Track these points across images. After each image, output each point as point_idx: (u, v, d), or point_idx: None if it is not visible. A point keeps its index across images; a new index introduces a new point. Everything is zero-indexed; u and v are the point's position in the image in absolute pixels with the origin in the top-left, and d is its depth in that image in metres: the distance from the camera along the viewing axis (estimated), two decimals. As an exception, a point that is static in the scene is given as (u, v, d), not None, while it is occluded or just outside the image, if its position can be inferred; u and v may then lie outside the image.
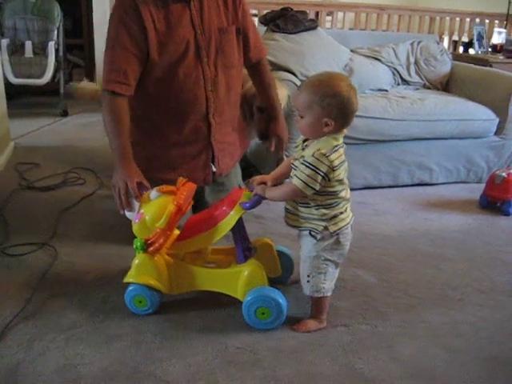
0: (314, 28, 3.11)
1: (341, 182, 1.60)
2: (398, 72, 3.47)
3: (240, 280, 1.73)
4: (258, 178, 1.75)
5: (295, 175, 1.57)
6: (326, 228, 1.64)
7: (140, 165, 2.01)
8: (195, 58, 2.02)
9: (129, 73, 1.94)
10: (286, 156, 2.39)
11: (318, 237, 1.65)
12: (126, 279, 1.78)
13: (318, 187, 1.55)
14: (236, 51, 2.14)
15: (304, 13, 3.22)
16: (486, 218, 2.76)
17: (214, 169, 2.22)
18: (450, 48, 5.00)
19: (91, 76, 5.24)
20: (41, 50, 4.46)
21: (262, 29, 3.18)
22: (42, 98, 4.87)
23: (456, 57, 3.97)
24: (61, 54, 4.53)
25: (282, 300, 1.70)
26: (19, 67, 4.30)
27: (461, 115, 3.01)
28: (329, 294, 1.74)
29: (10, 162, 3.25)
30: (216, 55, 2.05)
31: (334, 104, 1.52)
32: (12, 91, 4.25)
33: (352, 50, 3.43)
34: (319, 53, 3.03)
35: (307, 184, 1.54)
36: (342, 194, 1.63)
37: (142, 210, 1.73)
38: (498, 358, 1.68)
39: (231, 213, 1.70)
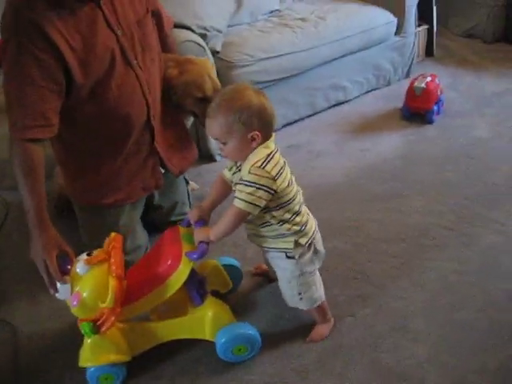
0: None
1: (287, 188, 1.48)
2: (279, -15, 3.20)
3: (206, 323, 1.65)
4: (194, 214, 1.60)
5: (236, 197, 1.45)
6: (297, 243, 1.55)
7: (84, 197, 1.87)
8: (124, 65, 1.67)
9: (47, 112, 1.55)
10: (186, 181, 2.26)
11: (296, 256, 1.57)
12: (83, 363, 1.60)
13: (263, 203, 1.43)
14: (155, 39, 1.83)
15: None
16: (414, 131, 2.80)
17: (163, 171, 1.99)
18: None
19: None
20: None
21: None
22: None
23: None
24: None
25: (253, 332, 1.66)
26: None
27: (363, 26, 2.91)
28: (324, 297, 1.71)
29: None
30: (142, 53, 1.73)
31: (252, 115, 1.40)
32: None
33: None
34: (205, -6, 2.68)
35: (250, 203, 1.42)
36: (296, 200, 1.53)
37: (76, 289, 1.49)
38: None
39: (180, 267, 1.54)
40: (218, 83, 1.98)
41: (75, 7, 1.53)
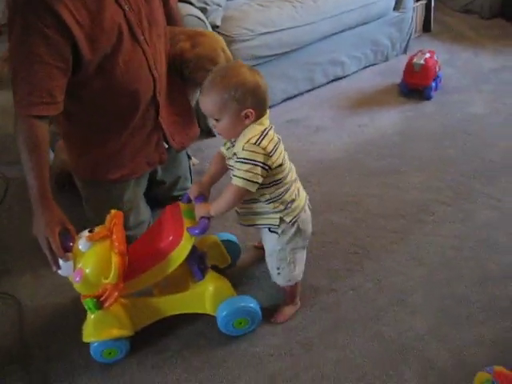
0: None
1: (281, 165, 1.49)
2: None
3: (207, 297, 1.68)
4: (194, 190, 1.62)
5: (234, 175, 1.46)
6: (282, 220, 1.56)
7: (89, 172, 1.87)
8: (131, 40, 1.66)
9: (54, 90, 1.54)
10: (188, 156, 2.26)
11: (279, 231, 1.59)
12: (86, 338, 1.64)
13: (260, 180, 1.43)
14: (161, 15, 1.82)
15: None
16: (412, 107, 2.81)
17: (167, 146, 1.99)
18: None
19: None
20: None
21: None
22: None
23: None
24: None
25: (254, 305, 1.69)
26: None
27: (362, 1, 2.89)
28: (300, 278, 1.74)
29: None
30: (149, 28, 1.72)
31: (246, 92, 1.39)
32: None
33: None
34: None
35: (249, 180, 1.42)
36: (288, 177, 1.54)
37: (79, 265, 1.51)
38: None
39: (182, 242, 1.56)
40: (231, 56, 1.98)
41: None
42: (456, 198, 2.19)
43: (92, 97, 1.70)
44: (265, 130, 1.44)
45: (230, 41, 2.55)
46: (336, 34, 2.90)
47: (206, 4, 2.55)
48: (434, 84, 2.81)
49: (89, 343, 1.64)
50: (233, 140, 1.51)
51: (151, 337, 1.72)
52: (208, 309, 1.69)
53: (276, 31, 2.65)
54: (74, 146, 1.86)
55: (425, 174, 2.34)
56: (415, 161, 2.42)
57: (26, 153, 1.54)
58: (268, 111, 1.48)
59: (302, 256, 1.69)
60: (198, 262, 1.66)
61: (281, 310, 1.77)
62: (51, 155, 2.49)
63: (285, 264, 1.65)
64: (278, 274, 1.68)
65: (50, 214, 1.53)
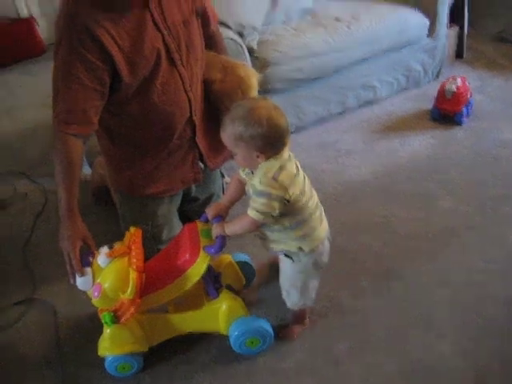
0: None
1: (300, 195, 1.50)
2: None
3: (220, 316, 1.72)
4: (212, 210, 1.66)
5: (250, 206, 1.49)
6: (300, 248, 1.58)
7: (126, 187, 1.94)
8: (169, 64, 1.73)
9: (89, 110, 1.63)
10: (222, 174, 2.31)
11: (294, 258, 1.62)
12: (102, 352, 1.70)
13: (276, 212, 1.46)
14: (199, 39, 1.87)
15: None
16: (443, 133, 2.82)
17: (202, 166, 2.05)
18: None
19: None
20: None
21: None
22: None
23: None
24: None
25: (266, 326, 1.73)
26: None
27: (396, 27, 2.93)
28: (309, 304, 1.76)
29: None
30: (187, 52, 1.78)
31: (256, 135, 1.42)
32: None
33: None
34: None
35: (263, 213, 1.45)
36: (308, 205, 1.55)
37: (97, 281, 1.56)
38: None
39: (198, 260, 1.60)
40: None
41: (126, 10, 1.59)
42: (484, 223, 2.20)
43: (131, 116, 1.77)
44: (283, 163, 1.46)
45: (265, 64, 2.63)
46: (369, 59, 2.94)
47: (243, 28, 2.63)
48: (465, 110, 2.83)
49: (104, 357, 1.69)
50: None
51: (181, 346, 1.78)
52: (221, 328, 1.73)
53: (309, 56, 2.71)
54: (112, 161, 1.94)
55: (454, 197, 2.36)
56: (444, 185, 2.44)
57: (59, 166, 1.61)
58: (288, 143, 1.49)
59: (313, 285, 1.72)
60: (213, 281, 1.71)
61: (288, 329, 1.80)
62: (89, 170, 2.59)
63: (295, 290, 1.69)
64: (288, 296, 1.72)
65: (74, 228, 1.59)
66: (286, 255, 1.62)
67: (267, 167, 1.45)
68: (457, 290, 1.91)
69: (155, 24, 1.66)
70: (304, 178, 1.55)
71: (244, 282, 1.93)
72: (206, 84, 1.96)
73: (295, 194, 1.47)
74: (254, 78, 1.99)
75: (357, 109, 3.08)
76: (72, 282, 1.57)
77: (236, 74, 1.97)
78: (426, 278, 1.97)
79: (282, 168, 1.45)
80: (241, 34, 2.61)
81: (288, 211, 1.50)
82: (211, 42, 2.01)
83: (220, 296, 1.71)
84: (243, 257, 1.97)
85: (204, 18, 1.90)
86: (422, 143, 2.75)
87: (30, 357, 1.83)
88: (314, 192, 1.60)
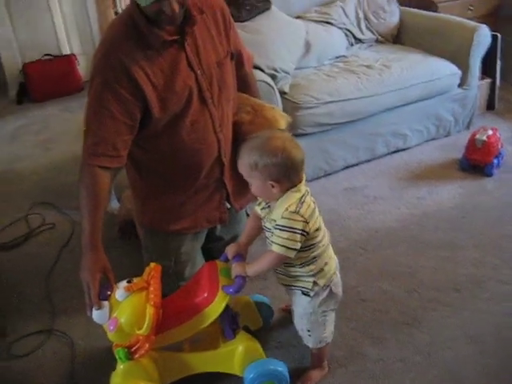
0: (268, 9, 2.85)
1: (318, 230, 1.55)
2: (350, 32, 3.31)
3: (236, 357, 1.69)
4: (232, 249, 1.67)
5: (273, 242, 1.50)
6: (315, 283, 1.59)
7: (150, 221, 1.94)
8: (200, 103, 1.76)
9: (118, 144, 1.66)
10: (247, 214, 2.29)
11: (312, 294, 1.62)
12: None
13: (298, 246, 1.48)
14: (232, 79, 1.91)
15: (256, -6, 2.94)
16: (472, 183, 2.79)
17: (229, 206, 2.05)
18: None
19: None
20: None
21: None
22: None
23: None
24: None
25: (282, 368, 1.69)
26: None
27: (427, 76, 2.95)
28: (330, 339, 1.74)
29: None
30: (219, 92, 1.81)
31: (270, 165, 1.46)
32: None
33: (300, 17, 3.22)
34: (278, 37, 2.80)
35: (288, 247, 1.47)
36: (323, 241, 1.58)
37: (114, 315, 1.55)
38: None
39: (216, 300, 1.59)
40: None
41: (161, 48, 1.64)
42: (513, 276, 2.14)
43: (159, 151, 1.79)
44: (302, 196, 1.50)
45: (296, 107, 2.66)
46: (399, 106, 2.96)
47: (276, 71, 2.69)
48: (495, 161, 2.80)
49: None
50: (267, 204, 1.58)
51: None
52: (236, 369, 1.70)
53: (340, 101, 2.74)
54: (139, 194, 1.95)
55: (482, 249, 2.30)
56: (472, 236, 2.39)
57: (84, 198, 1.63)
58: (304, 177, 1.54)
59: (331, 318, 1.71)
60: (230, 322, 1.69)
61: (308, 374, 1.76)
62: (117, 205, 2.63)
63: (316, 326, 1.67)
64: (309, 335, 1.70)
65: (95, 260, 1.59)
66: (303, 293, 1.61)
67: (288, 202, 1.48)
68: (484, 346, 1.84)
69: (189, 63, 1.70)
70: (319, 214, 1.57)
71: (261, 324, 1.91)
72: (236, 125, 1.99)
73: (314, 227, 1.51)
74: (282, 121, 2.01)
75: (386, 155, 3.08)
76: (88, 314, 1.56)
77: (265, 117, 1.99)
78: (451, 331, 1.90)
79: (302, 201, 1.49)
80: (273, 77, 2.66)
81: (305, 245, 1.52)
82: (244, 84, 2.04)
83: (236, 337, 1.69)
84: (262, 298, 1.95)
85: (238, 59, 1.94)
86: (451, 193, 2.72)
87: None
88: (326, 229, 1.62)
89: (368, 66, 2.94)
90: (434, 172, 2.91)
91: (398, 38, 3.46)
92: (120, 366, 1.63)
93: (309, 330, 1.68)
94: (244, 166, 1.52)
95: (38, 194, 2.96)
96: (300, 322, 1.69)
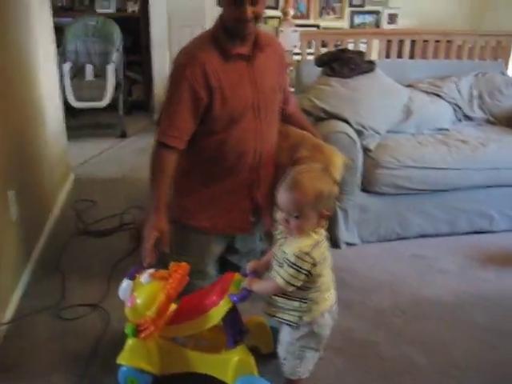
0: (372, 70, 2.99)
1: (321, 276, 1.59)
2: (459, 108, 3.31)
3: (229, 366, 1.77)
4: (250, 265, 1.78)
5: (278, 274, 1.57)
6: (300, 318, 1.63)
7: (177, 213, 2.14)
8: (253, 115, 2.06)
9: (184, 129, 2.00)
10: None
11: (293, 326, 1.66)
12: (119, 360, 1.83)
13: (299, 284, 1.55)
14: (278, 107, 2.20)
15: (361, 54, 3.11)
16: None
17: (252, 219, 2.23)
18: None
19: (149, 91, 5.30)
20: (101, 72, 4.56)
21: (315, 70, 3.11)
22: (101, 116, 4.97)
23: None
24: (120, 75, 4.61)
25: None
26: (80, 90, 4.43)
27: (524, 161, 2.86)
28: (304, 376, 1.74)
29: (69, 199, 3.39)
30: (266, 111, 2.10)
31: (326, 203, 1.56)
32: (73, 110, 4.48)
33: (411, 85, 3.30)
34: (376, 98, 2.92)
35: (289, 283, 1.55)
36: (323, 286, 1.63)
37: (134, 293, 1.77)
38: None
39: (220, 303, 1.72)
40: (332, 174, 2.15)
41: (234, 61, 1.99)
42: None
43: (206, 148, 2.08)
44: (320, 240, 1.58)
45: (376, 165, 2.74)
46: (490, 187, 2.89)
47: (364, 128, 2.80)
48: None
49: (119, 366, 1.84)
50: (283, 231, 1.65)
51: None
52: (229, 378, 1.78)
53: (423, 168, 2.76)
54: (178, 187, 2.15)
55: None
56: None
57: (152, 171, 2.02)
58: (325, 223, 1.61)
59: (311, 357, 1.72)
60: (234, 333, 1.79)
61: None
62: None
63: (291, 357, 1.71)
64: (284, 364, 1.74)
65: (156, 221, 1.93)
66: (287, 324, 1.68)
67: (306, 240, 1.56)
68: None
69: (252, 79, 2.03)
70: (329, 260, 1.64)
71: (272, 349, 1.94)
72: (294, 159, 2.15)
73: (318, 273, 1.57)
74: (338, 158, 2.17)
75: (466, 234, 2.99)
76: (144, 264, 1.85)
77: (323, 153, 2.16)
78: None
79: (317, 245, 1.56)
80: (360, 133, 2.78)
81: (305, 285, 1.58)
82: (287, 119, 2.31)
83: (237, 348, 1.79)
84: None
85: (285, 97, 2.26)
86: (519, 282, 2.56)
87: (70, 347, 2.08)
88: (331, 273, 1.68)
89: (463, 142, 2.92)
90: (510, 260, 2.76)
91: (512, 122, 3.37)
92: (129, 342, 1.83)
93: (284, 359, 1.73)
94: (306, 197, 1.52)
95: (139, 198, 3.33)
96: (279, 348, 1.75)
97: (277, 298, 1.66)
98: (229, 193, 2.15)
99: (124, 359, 1.84)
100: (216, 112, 1.99)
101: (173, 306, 1.83)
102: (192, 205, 2.18)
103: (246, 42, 2.00)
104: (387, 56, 4.36)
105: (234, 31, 1.95)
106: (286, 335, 1.70)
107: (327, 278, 1.65)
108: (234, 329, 1.80)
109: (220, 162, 2.09)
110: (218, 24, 2.00)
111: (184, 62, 1.97)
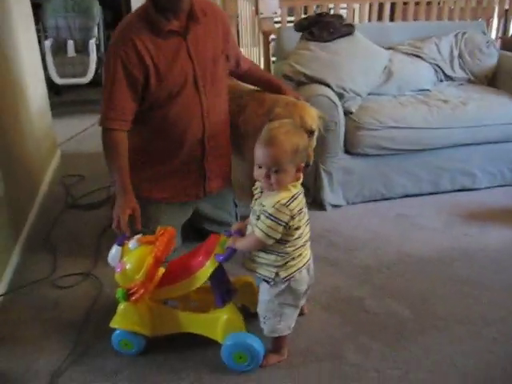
0: (351, 33, 3.00)
1: (298, 229, 1.64)
2: (440, 68, 3.33)
3: (219, 324, 1.82)
4: (235, 226, 1.84)
5: (257, 226, 1.61)
6: (277, 274, 1.68)
7: (141, 189, 2.21)
8: (193, 88, 2.11)
9: (126, 110, 2.04)
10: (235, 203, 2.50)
11: (271, 283, 1.70)
12: (112, 324, 1.88)
13: (278, 236, 1.60)
14: (224, 77, 2.25)
15: (340, 17, 3.10)
16: (531, 234, 2.67)
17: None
18: (500, 32, 4.66)
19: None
20: (82, 48, 4.55)
21: (296, 36, 3.10)
22: (85, 92, 4.98)
23: (505, 43, 3.71)
24: (102, 50, 4.59)
25: (257, 345, 1.78)
26: (63, 67, 4.42)
27: (506, 119, 2.90)
28: (285, 333, 1.79)
29: (57, 174, 3.42)
30: (211, 84, 2.14)
31: (302, 157, 1.63)
32: (57, 87, 4.54)
33: (392, 48, 3.31)
34: (356, 61, 2.94)
35: (268, 235, 1.59)
36: (299, 240, 1.68)
37: (123, 259, 1.81)
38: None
39: (207, 264, 1.77)
40: (308, 124, 2.22)
41: (167, 37, 2.01)
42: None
43: (151, 125, 2.14)
44: (296, 193, 1.63)
45: (358, 127, 2.77)
46: (471, 144, 2.93)
47: (345, 91, 2.83)
48: None
49: (112, 330, 1.89)
50: (261, 187, 1.69)
51: (181, 345, 1.92)
52: (218, 336, 1.84)
53: (405, 128, 2.80)
54: (134, 163, 2.17)
55: (509, 293, 2.21)
56: (504, 280, 2.30)
57: (107, 155, 2.08)
58: (301, 176, 1.67)
59: (291, 313, 1.77)
60: (223, 292, 1.84)
61: (266, 356, 1.83)
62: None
63: (271, 315, 1.76)
64: (264, 323, 1.79)
65: (126, 200, 2.03)
66: (264, 279, 1.73)
67: (283, 193, 1.60)
68: (468, 378, 1.79)
69: (188, 53, 2.06)
70: (306, 215, 1.69)
71: None
72: (272, 120, 2.19)
73: (296, 225, 1.62)
74: (312, 110, 2.28)
75: (449, 192, 3.05)
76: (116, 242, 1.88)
77: (297, 106, 2.26)
78: (439, 357, 1.87)
79: (294, 197, 1.61)
80: (341, 96, 2.80)
81: (282, 239, 1.63)
82: (246, 76, 2.43)
83: (225, 307, 1.84)
84: None
85: (237, 62, 2.34)
86: (502, 238, 2.62)
87: (64, 315, 2.12)
88: (308, 230, 1.73)
89: (444, 101, 2.95)
90: (494, 216, 2.82)
91: (492, 80, 3.40)
92: (120, 306, 1.88)
93: (264, 317, 1.78)
94: (284, 152, 1.55)
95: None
96: (259, 307, 1.80)
97: (258, 252, 1.70)
98: (180, 164, 2.22)
99: (116, 323, 1.89)
100: (153, 89, 2.03)
101: (161, 270, 1.88)
102: (149, 178, 2.25)
103: (180, 15, 2.01)
104: (369, 20, 4.36)
105: (167, 5, 1.97)
106: (264, 293, 1.75)
107: (304, 232, 1.69)
108: (222, 288, 1.86)
109: (166, 137, 2.16)
110: (149, 1, 2.01)
111: (117, 42, 2.01)
